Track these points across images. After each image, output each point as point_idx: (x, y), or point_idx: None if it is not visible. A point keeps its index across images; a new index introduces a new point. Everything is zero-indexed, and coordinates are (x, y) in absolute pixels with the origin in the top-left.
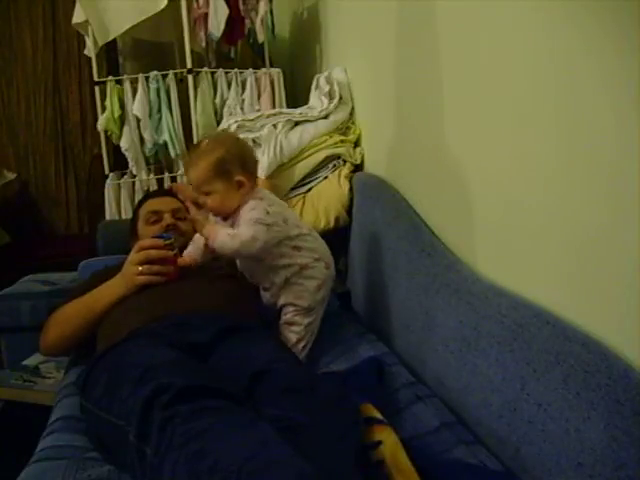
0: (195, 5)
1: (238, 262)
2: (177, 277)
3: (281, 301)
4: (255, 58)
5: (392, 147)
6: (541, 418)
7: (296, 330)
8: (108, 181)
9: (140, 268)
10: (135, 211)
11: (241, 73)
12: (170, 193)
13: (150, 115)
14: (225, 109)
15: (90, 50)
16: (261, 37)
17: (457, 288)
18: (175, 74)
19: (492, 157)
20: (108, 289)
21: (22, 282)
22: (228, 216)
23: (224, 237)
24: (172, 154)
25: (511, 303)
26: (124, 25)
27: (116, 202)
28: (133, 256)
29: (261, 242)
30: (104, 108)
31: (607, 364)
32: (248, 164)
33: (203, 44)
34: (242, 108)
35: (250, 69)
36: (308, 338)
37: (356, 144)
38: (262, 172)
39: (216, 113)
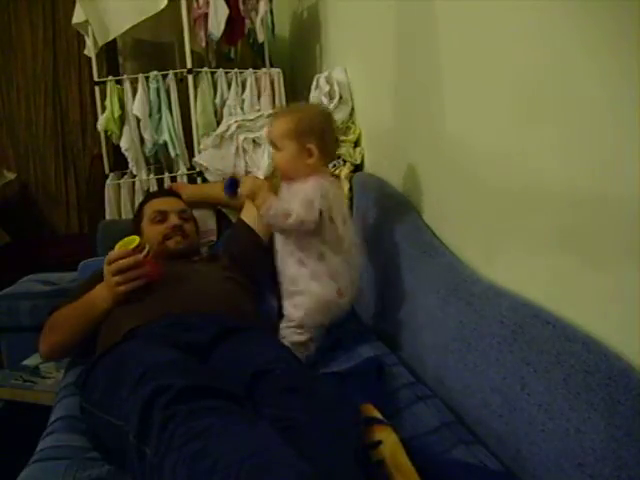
0: (195, 5)
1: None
2: (159, 275)
3: (284, 303)
4: (255, 58)
5: (392, 147)
6: (541, 418)
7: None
8: (108, 181)
9: (117, 279)
10: (139, 210)
11: (241, 73)
12: (172, 193)
13: (150, 115)
14: (225, 109)
15: (90, 50)
16: (261, 37)
17: (457, 288)
18: (175, 74)
19: (492, 157)
20: (98, 298)
21: (22, 282)
22: (290, 180)
23: (278, 212)
24: (172, 154)
25: (511, 303)
26: (124, 25)
27: (116, 202)
28: (106, 268)
29: (310, 224)
30: (104, 108)
31: (607, 364)
32: (325, 140)
33: (203, 44)
34: (242, 108)
35: (250, 69)
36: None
37: (356, 144)
38: (262, 172)
39: (216, 113)
